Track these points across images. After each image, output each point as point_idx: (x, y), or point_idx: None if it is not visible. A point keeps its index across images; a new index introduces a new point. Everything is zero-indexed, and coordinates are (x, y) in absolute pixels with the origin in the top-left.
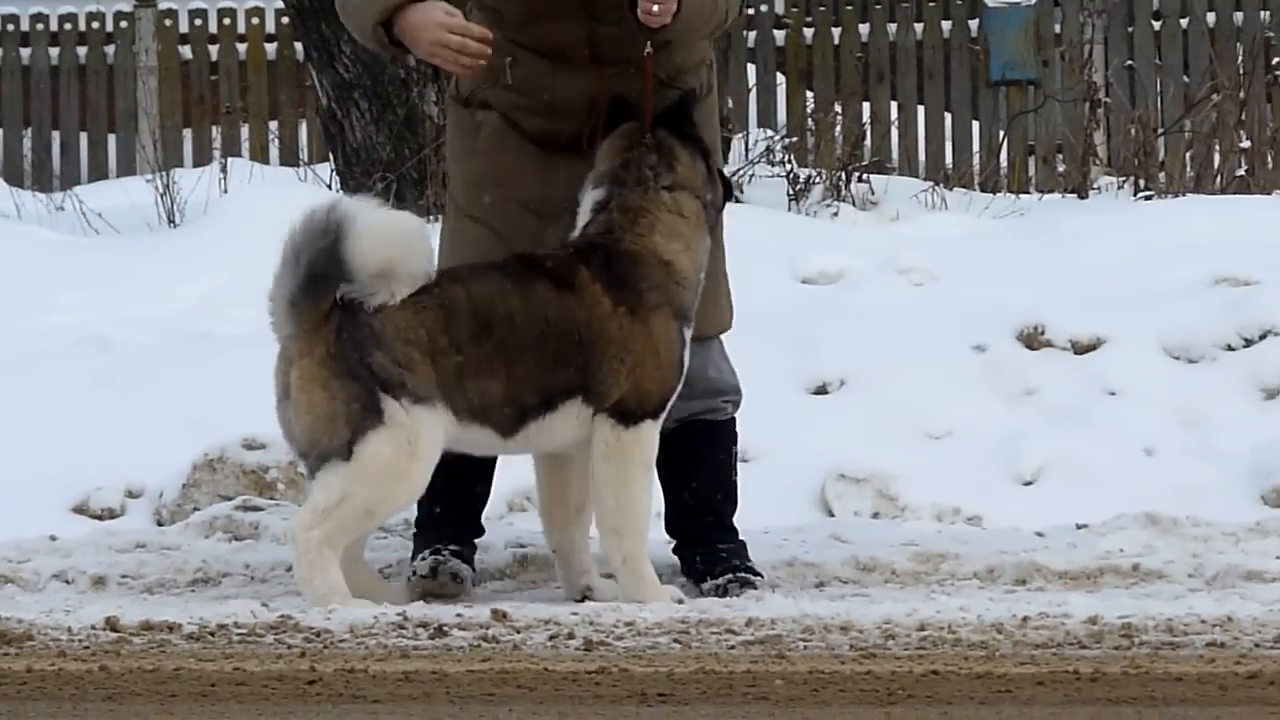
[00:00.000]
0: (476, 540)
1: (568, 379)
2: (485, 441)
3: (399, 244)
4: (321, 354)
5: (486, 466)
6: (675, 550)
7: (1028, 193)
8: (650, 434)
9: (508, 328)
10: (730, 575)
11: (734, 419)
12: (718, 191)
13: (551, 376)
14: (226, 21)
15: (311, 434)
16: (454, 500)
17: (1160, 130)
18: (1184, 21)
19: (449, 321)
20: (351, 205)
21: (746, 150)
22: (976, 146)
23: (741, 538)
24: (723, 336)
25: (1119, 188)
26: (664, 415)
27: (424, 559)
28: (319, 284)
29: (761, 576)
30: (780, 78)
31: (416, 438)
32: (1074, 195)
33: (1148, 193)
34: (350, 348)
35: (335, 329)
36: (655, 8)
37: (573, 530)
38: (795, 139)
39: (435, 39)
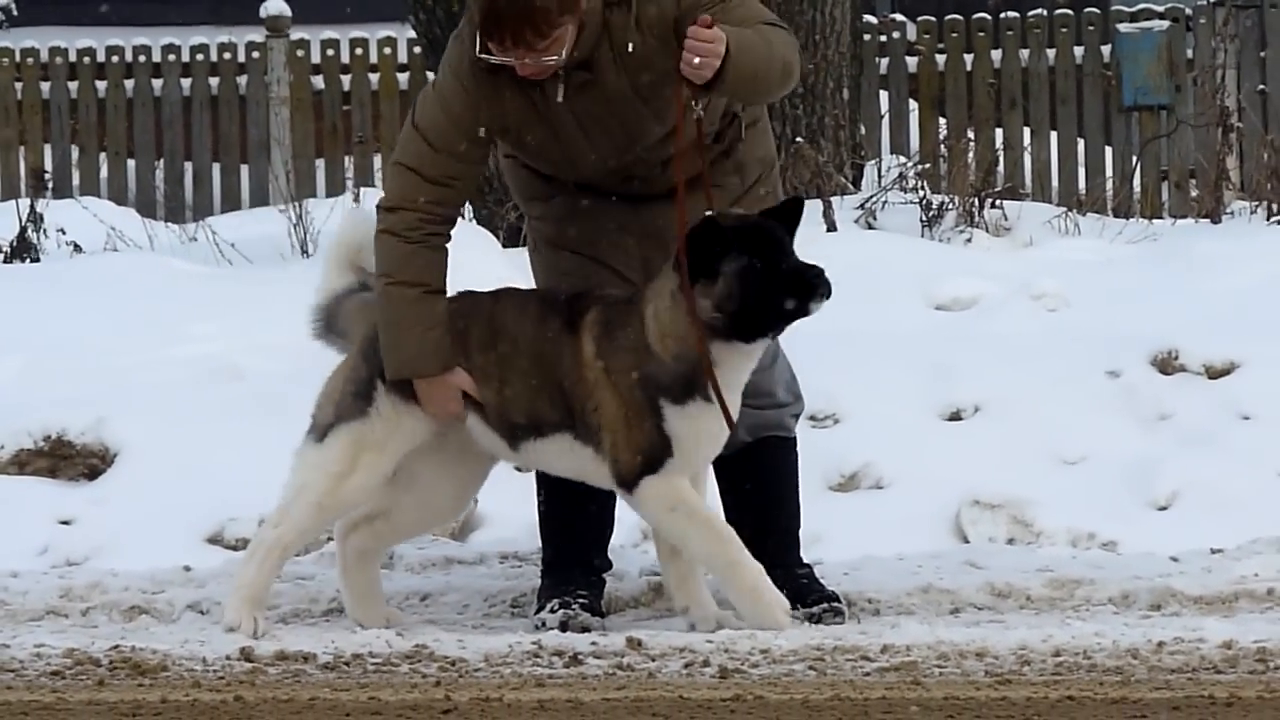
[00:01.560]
0: (607, 574)
1: (554, 414)
2: (496, 446)
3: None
4: (360, 335)
5: (605, 498)
6: None
7: (1161, 218)
8: (654, 488)
9: (511, 346)
10: (825, 605)
11: (794, 438)
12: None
13: (536, 406)
14: (359, 51)
15: (315, 405)
16: (579, 536)
17: None
18: None
19: (468, 328)
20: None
21: (880, 177)
22: (1109, 172)
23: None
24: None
25: (1252, 212)
26: (669, 471)
27: (554, 611)
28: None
29: (842, 603)
30: (913, 104)
31: (391, 436)
32: (1207, 220)
33: None
34: (369, 337)
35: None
36: (697, 60)
37: (677, 563)
38: (928, 165)
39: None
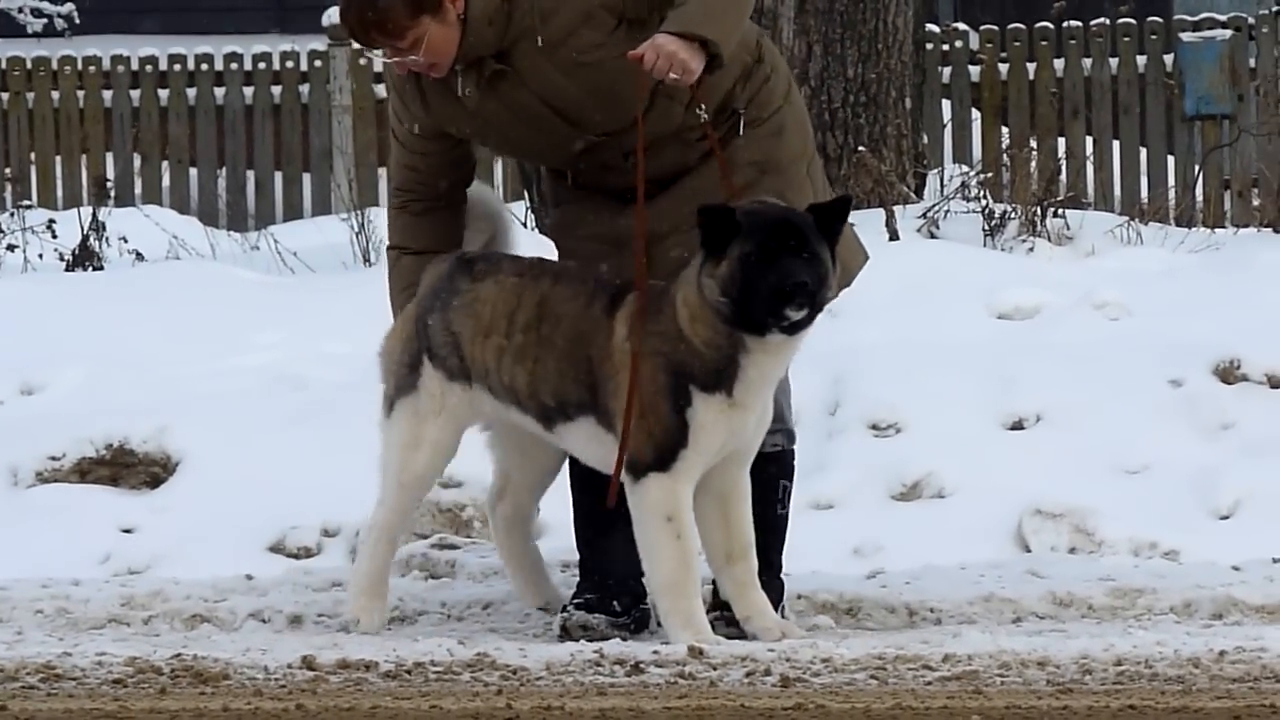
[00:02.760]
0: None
1: (579, 393)
2: (529, 426)
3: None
4: (414, 302)
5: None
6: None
7: (1223, 227)
8: (658, 488)
9: (554, 327)
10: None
11: (781, 452)
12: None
13: (564, 385)
14: None
15: (380, 365)
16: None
17: None
18: None
19: (520, 307)
20: None
21: (942, 186)
22: (1172, 181)
23: (782, 576)
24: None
25: None
26: (680, 470)
27: (566, 613)
28: None
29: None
30: (975, 113)
31: (441, 409)
32: (1269, 229)
33: None
34: (422, 301)
35: (433, 277)
36: (672, 76)
37: (732, 571)
38: (990, 174)
39: None
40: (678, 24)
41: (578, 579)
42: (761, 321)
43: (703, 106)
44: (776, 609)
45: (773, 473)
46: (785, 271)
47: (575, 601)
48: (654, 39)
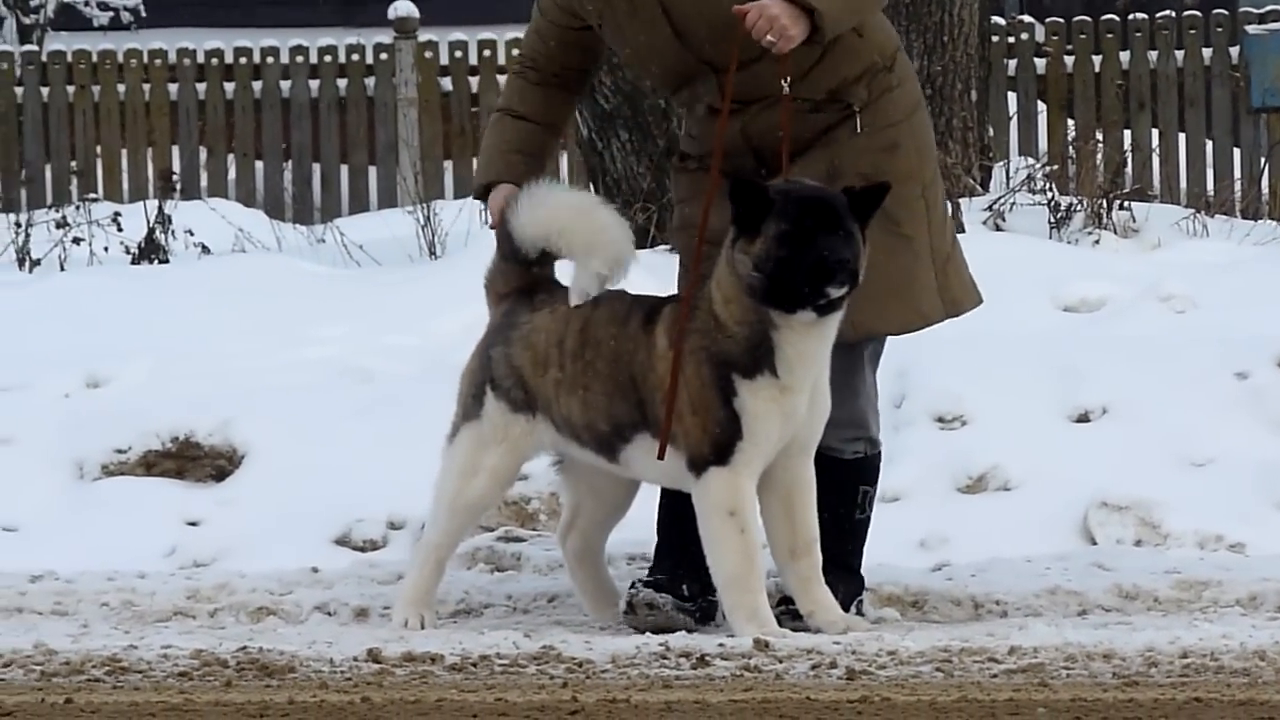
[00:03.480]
0: None
1: (629, 412)
2: (592, 460)
3: (558, 213)
4: (483, 333)
5: None
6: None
7: None
8: (720, 482)
9: (596, 352)
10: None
11: (863, 459)
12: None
13: (614, 407)
14: (486, 53)
15: (456, 394)
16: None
17: None
18: None
19: (567, 335)
20: (541, 185)
21: (1008, 178)
22: (1237, 173)
23: (860, 574)
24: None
25: None
26: (740, 463)
27: (634, 589)
28: (504, 260)
29: (858, 616)
30: (1041, 106)
31: (502, 439)
32: None
33: None
34: (489, 333)
35: (496, 312)
36: (769, 39)
37: (796, 567)
38: (1056, 167)
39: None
40: None
41: (652, 561)
42: (798, 298)
43: (788, 79)
44: (850, 607)
45: (853, 478)
46: (827, 249)
47: (645, 580)
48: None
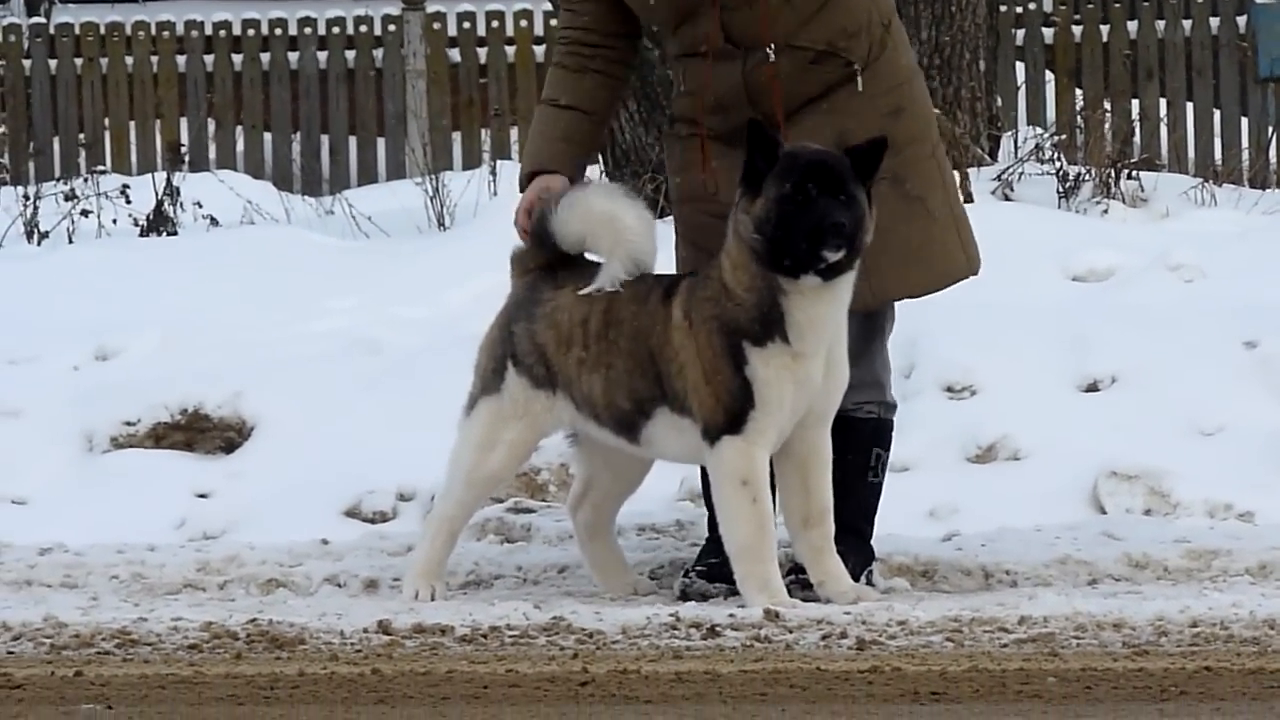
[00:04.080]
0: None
1: (649, 387)
2: (613, 440)
3: (589, 218)
4: (503, 305)
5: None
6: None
7: None
8: (733, 451)
9: (619, 331)
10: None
11: (878, 420)
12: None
13: (635, 383)
14: (495, 24)
15: (473, 368)
16: None
17: None
18: None
19: (591, 315)
20: (580, 188)
21: (1016, 148)
22: (1245, 143)
23: (870, 544)
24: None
25: None
26: (753, 432)
27: (688, 579)
28: (535, 243)
29: (868, 586)
30: (1049, 75)
31: (522, 415)
32: None
33: None
34: (511, 306)
35: (520, 285)
36: None
37: (808, 536)
38: (1064, 136)
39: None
40: None
41: (702, 544)
42: (797, 262)
43: (772, 47)
44: (860, 576)
45: (867, 438)
46: (822, 212)
47: (698, 568)
48: None
